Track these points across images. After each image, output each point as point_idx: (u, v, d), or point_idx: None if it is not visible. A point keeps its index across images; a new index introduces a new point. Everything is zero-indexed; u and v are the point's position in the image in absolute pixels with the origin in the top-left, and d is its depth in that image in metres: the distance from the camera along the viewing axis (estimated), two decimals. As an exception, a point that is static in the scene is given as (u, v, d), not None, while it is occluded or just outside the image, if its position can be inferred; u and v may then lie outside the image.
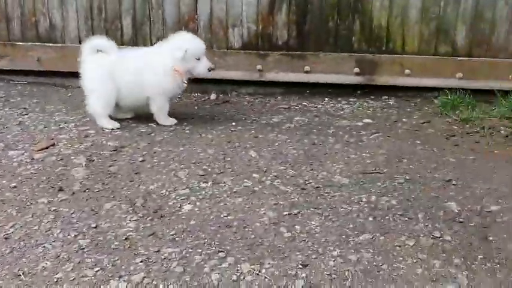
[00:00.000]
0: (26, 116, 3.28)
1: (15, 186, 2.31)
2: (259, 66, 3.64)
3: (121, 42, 3.67)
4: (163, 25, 3.71)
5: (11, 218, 2.07)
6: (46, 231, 1.97)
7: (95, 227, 2.00)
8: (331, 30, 3.56)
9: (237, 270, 1.74)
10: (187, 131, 3.04)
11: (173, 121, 3.12)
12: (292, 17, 3.57)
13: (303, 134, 2.97)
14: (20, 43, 3.90)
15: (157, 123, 3.10)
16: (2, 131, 2.99)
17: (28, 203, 2.17)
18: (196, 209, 2.14)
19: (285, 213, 2.10)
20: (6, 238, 1.92)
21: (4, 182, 2.36)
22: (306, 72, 3.60)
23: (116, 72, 2.97)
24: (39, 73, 3.95)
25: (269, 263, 1.77)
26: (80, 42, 3.67)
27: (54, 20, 3.83)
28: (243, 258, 1.80)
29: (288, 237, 1.93)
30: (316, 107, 3.52)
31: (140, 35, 3.76)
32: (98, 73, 2.99)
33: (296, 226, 2.01)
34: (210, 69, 3.02)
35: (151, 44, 3.69)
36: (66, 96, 3.74)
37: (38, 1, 3.80)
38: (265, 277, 1.71)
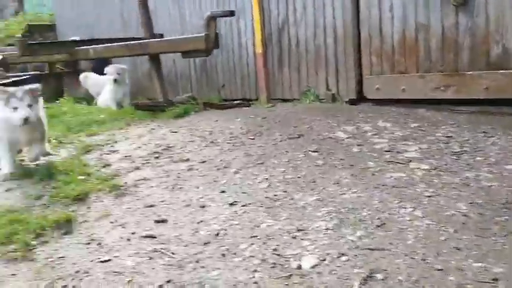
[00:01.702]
0: (493, 137, 3.20)
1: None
2: None
3: None
4: None
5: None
6: None
7: None
8: None
9: None
10: None
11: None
12: None
13: None
14: (468, 72, 3.95)
15: None
16: (481, 149, 2.97)
17: None
18: None
19: None
20: None
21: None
22: None
23: None
24: (483, 102, 3.90)
25: None
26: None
27: (508, 45, 3.73)
28: None
29: None
30: None
31: None
32: None
33: None
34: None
35: None
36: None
37: (491, 28, 3.80)
38: None
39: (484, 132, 3.38)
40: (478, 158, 2.81)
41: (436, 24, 4.06)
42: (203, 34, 4.60)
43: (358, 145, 3.39)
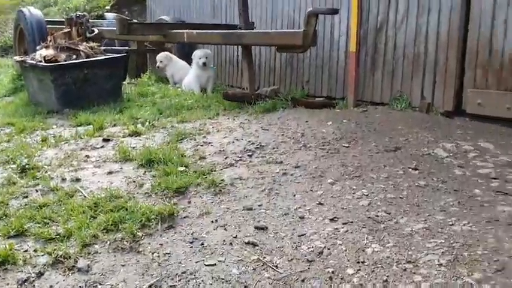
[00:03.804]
0: None
1: None
2: None
3: None
4: None
5: None
6: None
7: None
8: None
9: None
10: None
11: None
12: None
13: None
14: None
15: None
16: None
17: None
18: None
19: None
20: None
21: None
22: None
23: None
24: None
25: None
26: None
27: None
28: None
29: None
30: None
31: None
32: None
33: None
34: None
35: None
36: None
37: None
38: None
39: None
40: None
41: (557, 43, 3.76)
42: (301, 30, 4.53)
43: (460, 167, 3.23)
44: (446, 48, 4.47)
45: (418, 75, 4.74)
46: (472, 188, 2.87)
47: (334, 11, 4.58)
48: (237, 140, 3.81)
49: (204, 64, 5.99)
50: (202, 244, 2.41)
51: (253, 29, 5.77)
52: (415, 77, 4.76)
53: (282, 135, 3.88)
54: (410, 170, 3.16)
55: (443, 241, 2.26)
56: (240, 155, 3.52)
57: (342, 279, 2.05)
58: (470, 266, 2.04)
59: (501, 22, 4.07)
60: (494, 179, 3.01)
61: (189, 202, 2.84)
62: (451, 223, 2.43)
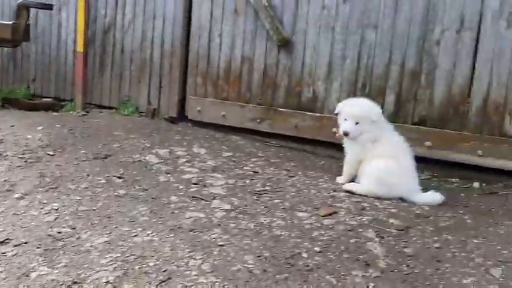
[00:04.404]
0: (294, 177, 3.39)
1: (320, 251, 2.30)
2: (539, 159, 3.27)
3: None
4: (428, 104, 3.62)
5: (331, 285, 2.02)
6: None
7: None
8: None
9: None
10: (469, 221, 2.79)
11: None
12: None
13: None
14: (282, 109, 4.15)
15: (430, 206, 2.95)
16: (280, 190, 3.11)
17: (342, 273, 2.12)
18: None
19: None
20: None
21: (307, 244, 2.36)
22: None
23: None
24: (292, 138, 4.14)
25: None
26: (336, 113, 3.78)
27: (318, 91, 4.02)
28: None
29: None
30: None
31: (402, 112, 3.72)
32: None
33: None
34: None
35: (412, 123, 3.64)
36: (320, 164, 3.82)
37: (305, 72, 4.05)
38: None
39: (287, 170, 3.56)
40: (276, 201, 2.91)
41: (260, 59, 4.19)
42: (11, 22, 4.01)
43: (167, 173, 3.27)
44: (171, 56, 4.56)
45: (145, 81, 4.72)
46: (170, 194, 2.91)
47: (48, 6, 4.20)
48: None
49: None
50: None
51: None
52: (142, 82, 4.74)
53: (-27, 142, 3.33)
54: (114, 178, 3.04)
55: (119, 255, 2.17)
56: None
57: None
58: (137, 280, 1.99)
59: (217, 36, 4.34)
60: (195, 184, 3.12)
61: None
62: (134, 234, 2.37)
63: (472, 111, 3.49)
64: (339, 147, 3.39)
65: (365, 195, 3.05)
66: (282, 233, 2.48)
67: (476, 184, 3.47)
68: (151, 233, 2.39)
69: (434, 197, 3.05)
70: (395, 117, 3.68)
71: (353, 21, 3.81)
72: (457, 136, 3.49)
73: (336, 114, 3.27)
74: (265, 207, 2.82)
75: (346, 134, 3.13)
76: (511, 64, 3.35)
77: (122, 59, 4.79)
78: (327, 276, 2.08)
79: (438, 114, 3.58)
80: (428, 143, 3.55)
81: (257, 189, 3.11)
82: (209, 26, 4.34)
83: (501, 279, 2.13)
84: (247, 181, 3.25)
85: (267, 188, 3.15)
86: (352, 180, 3.24)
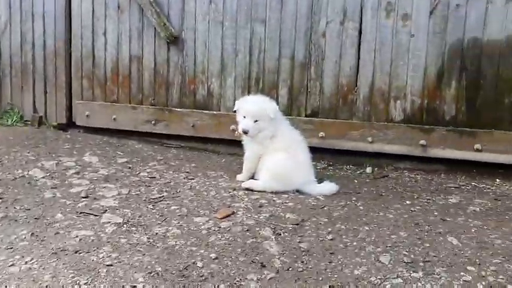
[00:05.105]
0: (193, 180, 3.30)
1: (216, 258, 2.23)
2: (422, 141, 3.47)
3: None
4: (320, 95, 3.69)
5: (227, 295, 1.97)
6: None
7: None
8: (506, 107, 3.35)
9: None
10: (361, 208, 2.88)
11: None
12: (462, 91, 3.42)
13: (497, 221, 2.71)
14: (178, 109, 4.03)
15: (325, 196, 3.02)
16: (178, 195, 3.00)
17: (237, 279, 2.07)
18: (420, 302, 1.92)
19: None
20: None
21: (202, 251, 2.29)
22: (477, 150, 3.37)
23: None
24: (192, 138, 4.04)
25: None
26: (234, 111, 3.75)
27: (213, 88, 3.95)
28: None
29: None
30: (490, 189, 3.26)
31: (295, 105, 3.77)
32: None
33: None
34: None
35: (306, 115, 3.70)
36: (221, 162, 3.76)
37: (198, 69, 3.96)
38: None
39: (186, 172, 3.47)
40: (173, 208, 2.81)
41: (149, 57, 4.02)
42: None
43: (53, 188, 3.03)
44: (55, 58, 4.25)
45: (29, 87, 4.36)
46: (56, 212, 2.68)
47: None
48: None
49: None
50: None
51: None
52: (26, 88, 4.37)
53: None
54: (-10, 201, 2.75)
55: (-10, 291, 1.95)
56: None
57: None
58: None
59: (101, 34, 4.10)
60: (85, 197, 2.92)
61: None
62: (11, 263, 2.15)
63: (360, 100, 3.62)
64: (239, 144, 3.35)
65: (264, 191, 3.05)
66: (177, 243, 2.39)
67: (368, 169, 3.62)
68: (31, 260, 2.18)
69: (329, 187, 3.12)
70: (290, 110, 3.72)
71: (241, 15, 3.77)
72: (347, 125, 3.60)
73: (234, 111, 3.23)
74: (160, 215, 2.71)
75: (245, 132, 3.10)
76: (392, 53, 3.50)
77: (1, 65, 4.37)
78: (221, 286, 2.02)
79: (329, 104, 3.67)
80: (321, 134, 3.63)
81: (153, 197, 2.98)
82: (91, 24, 4.08)
83: (389, 265, 2.21)
84: (143, 189, 3.11)
85: (164, 194, 3.03)
86: (252, 176, 3.23)
